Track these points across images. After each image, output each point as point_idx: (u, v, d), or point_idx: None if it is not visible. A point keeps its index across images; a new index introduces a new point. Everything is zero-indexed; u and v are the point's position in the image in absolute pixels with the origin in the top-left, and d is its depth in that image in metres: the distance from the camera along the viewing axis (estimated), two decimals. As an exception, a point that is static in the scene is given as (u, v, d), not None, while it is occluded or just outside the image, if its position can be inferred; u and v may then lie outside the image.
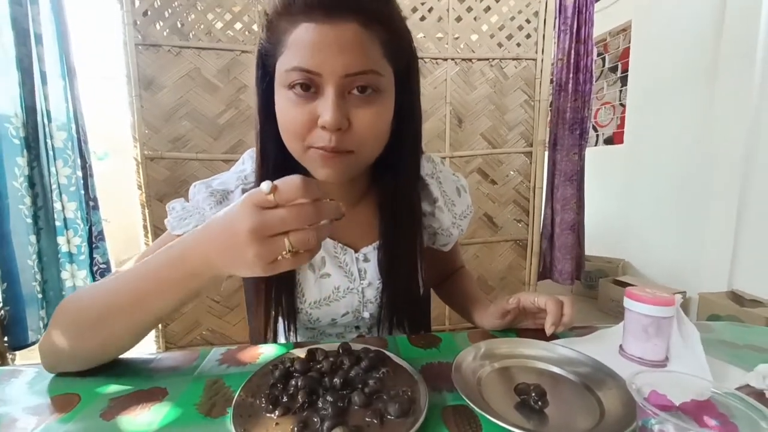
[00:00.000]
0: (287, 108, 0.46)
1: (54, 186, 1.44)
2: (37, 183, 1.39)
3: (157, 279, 0.40)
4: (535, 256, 1.92)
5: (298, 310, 0.59)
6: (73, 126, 1.47)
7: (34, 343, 1.43)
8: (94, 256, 1.56)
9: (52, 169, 1.43)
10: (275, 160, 0.53)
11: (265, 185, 0.33)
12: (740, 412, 0.29)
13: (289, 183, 0.33)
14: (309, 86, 0.44)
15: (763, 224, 1.85)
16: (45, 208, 1.42)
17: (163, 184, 1.51)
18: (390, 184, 0.57)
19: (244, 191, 0.55)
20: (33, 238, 1.38)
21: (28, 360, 1.51)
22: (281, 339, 0.67)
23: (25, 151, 1.33)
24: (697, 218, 2.16)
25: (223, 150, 1.55)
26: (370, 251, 0.60)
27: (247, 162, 0.60)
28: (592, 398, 0.41)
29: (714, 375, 0.44)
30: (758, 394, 0.40)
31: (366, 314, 0.61)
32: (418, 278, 0.61)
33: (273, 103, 0.49)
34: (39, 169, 1.39)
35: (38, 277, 1.41)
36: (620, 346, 0.51)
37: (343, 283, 0.59)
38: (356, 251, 0.60)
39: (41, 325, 1.44)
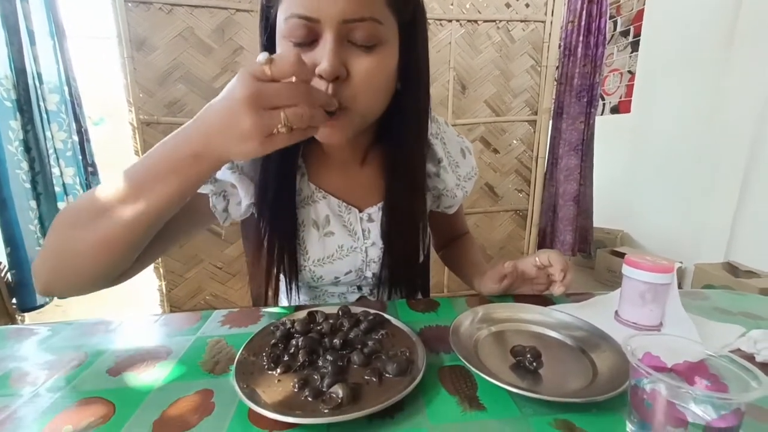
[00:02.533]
0: None
1: (51, 151, 1.41)
2: (32, 147, 1.36)
3: (158, 164, 0.38)
4: (535, 227, 1.92)
5: (301, 267, 0.59)
6: (66, 88, 1.42)
7: (42, 305, 1.46)
8: None
9: (47, 134, 1.40)
10: None
11: (262, 56, 0.34)
12: (731, 373, 0.29)
13: (285, 57, 0.34)
14: (308, 35, 0.43)
15: (764, 197, 1.84)
16: (42, 173, 1.41)
17: (161, 150, 1.49)
18: (395, 145, 0.56)
19: None
20: (33, 203, 1.38)
21: (38, 321, 1.56)
22: (283, 298, 0.68)
23: (17, 114, 1.30)
24: (699, 191, 2.14)
25: (221, 115, 1.51)
26: (375, 211, 0.60)
27: None
28: (586, 360, 0.42)
29: (708, 334, 0.45)
30: (749, 358, 0.41)
31: (369, 273, 0.62)
32: (419, 241, 0.61)
33: None
34: (34, 133, 1.36)
35: (41, 242, 1.42)
36: (616, 311, 0.52)
37: (347, 242, 0.60)
38: (361, 211, 0.60)
39: None
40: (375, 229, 0.60)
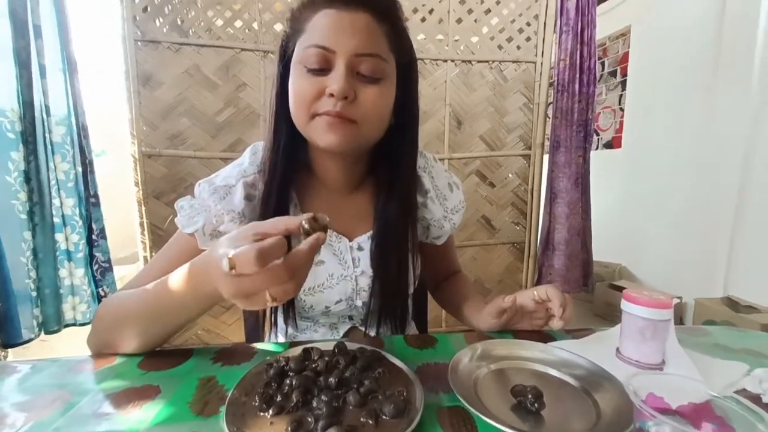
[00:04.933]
0: (300, 79, 0.51)
1: (53, 182, 1.41)
2: (33, 178, 1.36)
3: (174, 299, 0.45)
4: (533, 259, 1.92)
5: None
6: (73, 120, 1.44)
7: (27, 341, 1.41)
8: (95, 254, 1.53)
9: (51, 164, 1.40)
10: (287, 141, 0.56)
11: (225, 263, 0.34)
12: (737, 415, 0.28)
13: (244, 257, 0.33)
14: (322, 63, 0.49)
15: (759, 231, 1.86)
16: (41, 203, 1.40)
17: (161, 182, 1.50)
18: (386, 175, 0.60)
19: (245, 184, 0.58)
20: (28, 235, 1.36)
21: (22, 357, 1.50)
22: (279, 331, 0.67)
23: (21, 145, 1.31)
24: (693, 224, 2.17)
25: (222, 148, 1.54)
26: (364, 240, 0.62)
27: (247, 157, 0.61)
28: (589, 400, 0.41)
29: (710, 372, 0.44)
30: (755, 398, 0.40)
31: (359, 302, 0.62)
32: (409, 269, 0.62)
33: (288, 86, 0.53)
34: (36, 164, 1.37)
35: (32, 274, 1.38)
36: (617, 348, 0.51)
37: (337, 270, 0.61)
38: (350, 240, 0.62)
39: (35, 323, 1.40)
40: (364, 258, 0.62)
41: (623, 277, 2.63)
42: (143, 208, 1.49)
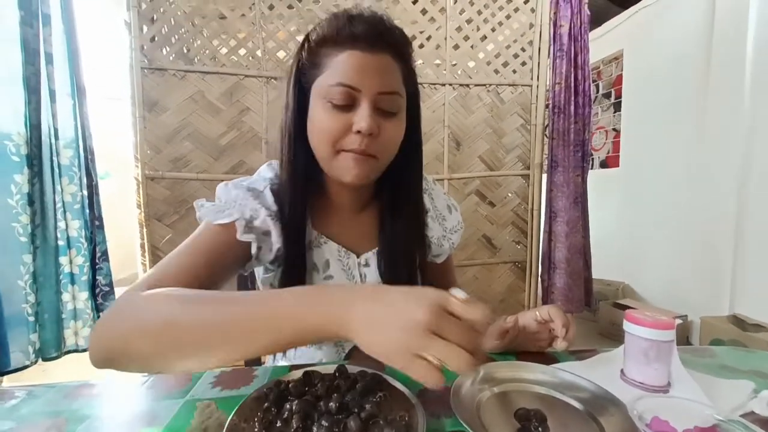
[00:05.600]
0: (325, 116, 0.52)
1: (58, 204, 1.41)
2: (36, 200, 1.37)
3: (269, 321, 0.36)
4: (534, 278, 1.90)
5: None
6: (81, 144, 1.46)
7: (21, 368, 1.36)
8: (97, 277, 1.51)
9: (57, 187, 1.41)
10: (305, 166, 0.57)
11: (461, 293, 0.33)
12: (745, 439, 0.28)
13: (480, 307, 0.33)
14: (348, 101, 0.51)
15: (761, 247, 1.86)
16: (43, 226, 1.40)
17: (163, 204, 1.51)
18: (390, 196, 0.64)
19: (272, 191, 0.59)
20: (28, 258, 1.34)
21: (17, 382, 1.47)
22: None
23: (26, 168, 1.32)
24: (695, 241, 2.16)
25: (224, 170, 1.56)
26: (371, 256, 0.65)
27: (266, 171, 0.63)
28: (594, 424, 0.40)
29: (716, 393, 0.43)
30: (763, 421, 0.39)
31: None
32: (417, 283, 0.64)
33: (304, 115, 0.56)
34: (41, 186, 1.37)
35: (30, 299, 1.35)
36: (621, 370, 0.50)
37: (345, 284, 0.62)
38: (358, 256, 0.64)
39: (31, 350, 1.36)
40: (371, 274, 0.64)
41: (627, 295, 2.60)
42: (144, 230, 1.49)
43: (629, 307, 0.48)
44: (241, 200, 0.56)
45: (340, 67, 0.52)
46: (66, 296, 1.45)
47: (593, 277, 2.26)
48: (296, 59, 0.57)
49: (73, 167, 1.44)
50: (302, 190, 0.58)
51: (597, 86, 2.93)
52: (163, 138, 1.50)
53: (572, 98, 1.99)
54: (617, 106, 2.76)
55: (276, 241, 0.57)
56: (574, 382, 0.46)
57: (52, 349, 1.43)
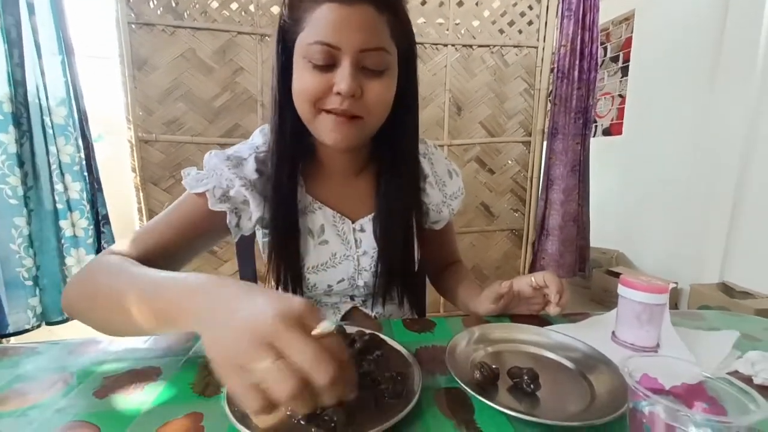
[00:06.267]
0: (305, 75, 0.50)
1: (54, 166, 1.36)
2: (26, 161, 1.32)
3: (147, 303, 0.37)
4: (530, 246, 1.92)
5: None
6: (73, 104, 1.39)
7: (19, 332, 1.36)
8: (102, 242, 1.49)
9: (51, 148, 1.35)
10: (292, 129, 0.56)
11: (328, 325, 0.28)
12: (729, 395, 0.29)
13: (338, 347, 0.28)
14: (328, 60, 0.48)
15: (757, 217, 1.87)
16: (37, 188, 1.36)
17: (158, 167, 1.49)
18: (388, 160, 0.61)
19: (256, 159, 0.58)
20: (20, 221, 1.30)
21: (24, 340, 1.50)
22: None
23: (11, 126, 1.26)
24: (692, 212, 2.17)
25: (219, 134, 1.53)
26: (366, 222, 0.64)
27: (258, 137, 0.63)
28: (584, 382, 0.41)
29: (702, 347, 0.45)
30: (747, 380, 0.41)
31: (360, 282, 0.64)
32: (412, 250, 0.64)
33: (290, 76, 0.52)
34: (30, 147, 1.32)
35: (26, 262, 1.33)
36: (612, 332, 0.51)
37: (340, 250, 0.62)
38: (353, 221, 0.63)
39: (31, 314, 1.36)
40: (366, 239, 0.63)
41: (620, 263, 2.65)
42: (141, 194, 1.48)
43: (622, 274, 0.49)
44: (218, 170, 0.56)
45: (317, 24, 0.48)
46: (70, 260, 1.44)
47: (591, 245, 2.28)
48: (279, 16, 0.53)
49: (68, 127, 1.38)
50: (291, 154, 0.56)
51: (605, 49, 2.81)
52: (154, 98, 1.45)
53: (577, 62, 1.91)
54: (624, 71, 2.67)
55: (255, 209, 0.57)
56: (566, 343, 0.48)
57: (56, 313, 1.44)
